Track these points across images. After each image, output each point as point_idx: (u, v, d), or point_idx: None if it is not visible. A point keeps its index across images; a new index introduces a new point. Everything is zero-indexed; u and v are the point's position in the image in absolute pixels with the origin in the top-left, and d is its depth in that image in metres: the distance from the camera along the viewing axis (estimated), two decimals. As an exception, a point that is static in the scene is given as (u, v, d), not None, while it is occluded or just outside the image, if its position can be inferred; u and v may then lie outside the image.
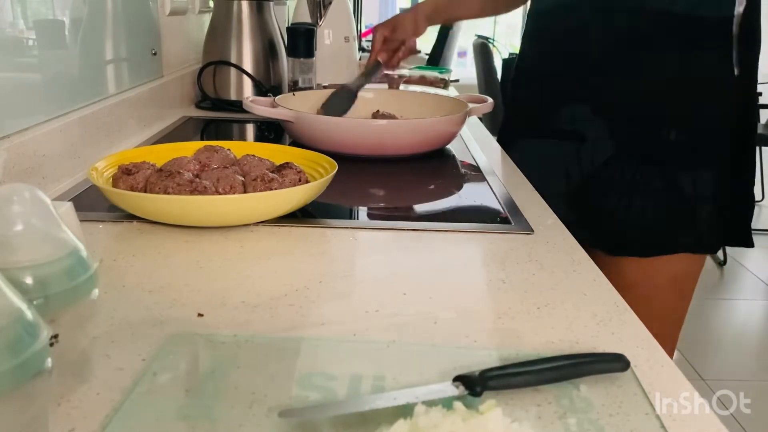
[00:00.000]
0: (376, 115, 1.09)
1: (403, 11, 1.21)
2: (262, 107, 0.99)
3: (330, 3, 1.52)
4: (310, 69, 1.32)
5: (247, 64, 1.32)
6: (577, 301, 0.54)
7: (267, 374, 0.41)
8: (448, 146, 1.06)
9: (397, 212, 0.81)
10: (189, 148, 0.78)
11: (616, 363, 0.42)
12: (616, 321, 0.51)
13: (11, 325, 0.37)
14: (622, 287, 0.56)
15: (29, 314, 0.38)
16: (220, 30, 1.33)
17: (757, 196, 3.92)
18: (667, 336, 0.93)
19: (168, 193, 0.65)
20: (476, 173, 0.94)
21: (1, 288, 0.38)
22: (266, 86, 1.33)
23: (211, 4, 1.42)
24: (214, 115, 1.29)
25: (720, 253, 3.05)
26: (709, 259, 3.16)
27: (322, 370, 0.42)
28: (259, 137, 1.18)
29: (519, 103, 1.10)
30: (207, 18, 1.40)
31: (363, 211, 0.80)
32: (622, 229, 0.92)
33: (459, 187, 0.92)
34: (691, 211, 0.89)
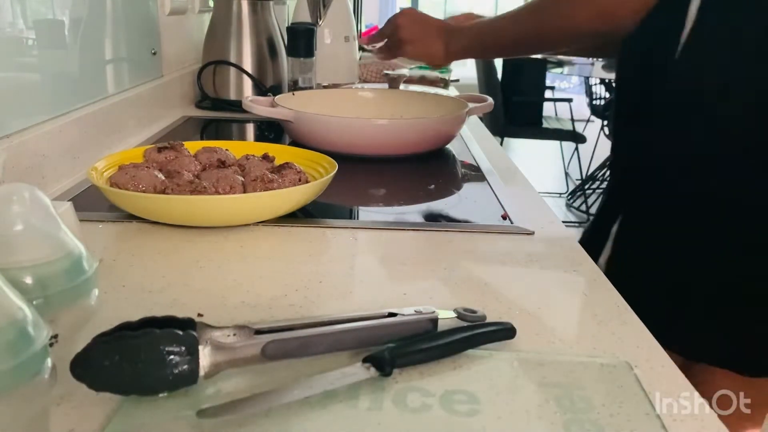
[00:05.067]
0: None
1: (434, 25, 0.99)
2: (261, 107, 0.99)
3: (330, 3, 1.52)
4: (310, 69, 1.32)
5: (247, 64, 1.32)
6: (578, 301, 0.54)
7: (268, 373, 0.41)
8: (448, 146, 1.06)
9: (397, 212, 0.81)
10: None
11: (508, 330, 0.46)
12: (617, 321, 0.51)
13: (11, 325, 0.37)
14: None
15: (29, 314, 0.38)
16: (220, 30, 1.33)
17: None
18: None
19: (168, 193, 0.65)
20: (476, 173, 0.94)
21: (1, 288, 0.38)
22: (266, 86, 1.33)
23: (211, 3, 1.42)
24: (213, 115, 1.29)
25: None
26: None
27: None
28: (259, 137, 1.18)
29: None
30: (207, 18, 1.40)
31: (363, 211, 0.80)
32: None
33: (459, 187, 0.92)
34: None
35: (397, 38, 1.00)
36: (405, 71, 1.74)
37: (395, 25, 1.00)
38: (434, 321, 0.46)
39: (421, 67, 1.84)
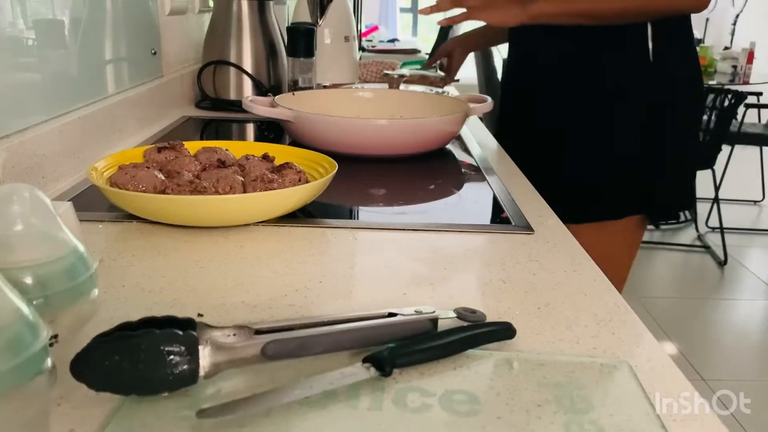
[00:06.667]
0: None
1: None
2: (261, 107, 0.99)
3: (330, 3, 1.52)
4: (310, 69, 1.32)
5: (247, 64, 1.32)
6: (578, 301, 0.54)
7: (268, 373, 0.41)
8: (448, 146, 1.06)
9: (397, 212, 0.81)
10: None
11: (507, 330, 0.46)
12: (616, 321, 0.51)
13: (11, 325, 0.37)
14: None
15: (29, 314, 0.38)
16: (220, 30, 1.33)
17: (757, 196, 3.92)
18: (617, 279, 1.09)
19: (168, 193, 0.65)
20: (476, 173, 0.94)
21: (1, 288, 0.37)
22: (266, 86, 1.33)
23: (211, 3, 1.42)
24: (213, 115, 1.29)
25: (720, 253, 3.05)
26: (709, 259, 3.17)
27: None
28: (259, 137, 1.18)
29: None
30: (207, 18, 1.40)
31: (363, 211, 0.80)
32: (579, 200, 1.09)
33: (459, 187, 0.92)
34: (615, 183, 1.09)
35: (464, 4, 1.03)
36: (405, 71, 1.74)
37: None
38: (434, 321, 0.46)
39: (406, 63, 1.84)
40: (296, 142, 0.99)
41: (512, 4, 1.01)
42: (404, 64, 1.82)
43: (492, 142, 1.18)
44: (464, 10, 1.02)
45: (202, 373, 0.38)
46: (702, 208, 3.43)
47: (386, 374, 0.40)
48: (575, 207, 1.03)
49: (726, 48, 4.75)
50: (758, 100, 3.44)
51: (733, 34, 5.16)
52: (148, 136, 1.07)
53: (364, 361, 0.41)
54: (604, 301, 0.54)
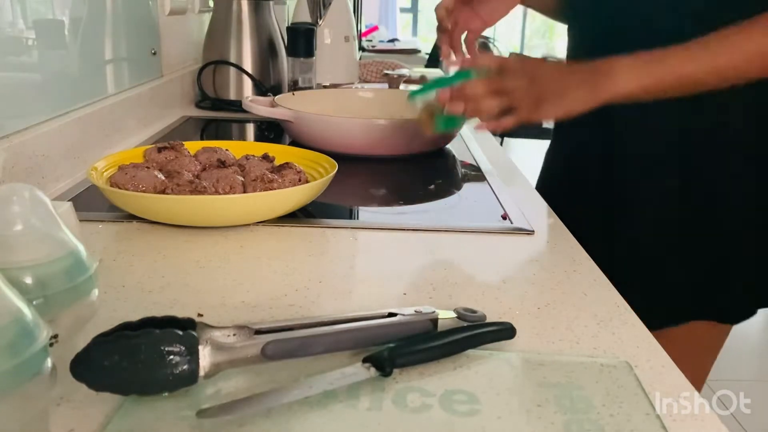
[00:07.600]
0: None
1: None
2: (261, 107, 0.99)
3: (330, 3, 1.52)
4: (310, 69, 1.32)
5: (247, 64, 1.32)
6: (578, 301, 0.54)
7: (268, 373, 0.41)
8: (448, 146, 1.06)
9: (397, 212, 0.81)
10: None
11: (508, 330, 0.46)
12: (616, 321, 0.51)
13: (11, 325, 0.37)
14: None
15: (29, 314, 0.38)
16: (220, 30, 1.33)
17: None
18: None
19: (168, 193, 0.65)
20: (476, 173, 0.94)
21: (0, 288, 0.37)
22: (266, 86, 1.33)
23: (211, 3, 1.42)
24: (213, 115, 1.29)
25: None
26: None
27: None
28: (259, 137, 1.18)
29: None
30: (207, 18, 1.40)
31: (363, 211, 0.80)
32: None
33: (459, 187, 0.92)
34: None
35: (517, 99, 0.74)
36: (405, 71, 1.74)
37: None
38: (434, 321, 0.46)
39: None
40: (296, 142, 0.99)
41: (578, 86, 0.71)
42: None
43: (492, 142, 1.18)
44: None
45: (202, 373, 0.38)
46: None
47: (386, 374, 0.40)
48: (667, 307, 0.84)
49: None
50: None
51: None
52: (148, 136, 1.07)
53: (364, 361, 0.41)
54: (604, 301, 0.54)
